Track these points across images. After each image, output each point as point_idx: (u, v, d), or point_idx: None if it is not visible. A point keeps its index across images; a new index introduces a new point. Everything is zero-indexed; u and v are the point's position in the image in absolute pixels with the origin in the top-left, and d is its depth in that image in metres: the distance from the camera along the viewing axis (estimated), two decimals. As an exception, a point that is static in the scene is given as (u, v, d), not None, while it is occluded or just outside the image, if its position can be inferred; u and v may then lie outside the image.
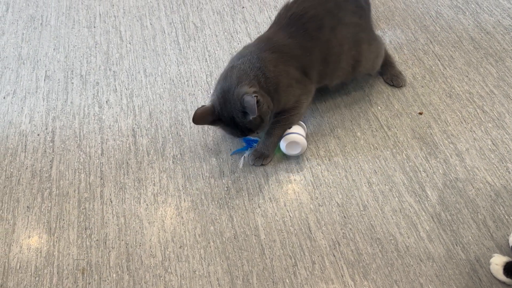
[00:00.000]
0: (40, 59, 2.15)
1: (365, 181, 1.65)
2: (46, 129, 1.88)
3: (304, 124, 1.71)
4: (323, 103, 1.89)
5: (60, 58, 2.15)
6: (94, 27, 2.30)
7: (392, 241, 1.51)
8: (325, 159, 1.72)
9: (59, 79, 2.06)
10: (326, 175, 1.67)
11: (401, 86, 1.93)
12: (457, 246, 1.48)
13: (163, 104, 1.94)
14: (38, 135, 1.86)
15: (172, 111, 1.91)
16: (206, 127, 1.84)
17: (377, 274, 1.44)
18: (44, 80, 2.06)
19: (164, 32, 2.25)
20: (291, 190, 1.64)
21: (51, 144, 1.83)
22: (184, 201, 1.63)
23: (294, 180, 1.67)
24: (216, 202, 1.62)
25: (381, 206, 1.59)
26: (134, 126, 1.87)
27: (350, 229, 1.54)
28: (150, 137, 1.83)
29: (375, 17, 2.24)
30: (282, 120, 1.65)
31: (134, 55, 2.14)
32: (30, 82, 2.06)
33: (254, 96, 1.44)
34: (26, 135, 1.86)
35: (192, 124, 1.81)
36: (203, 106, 1.61)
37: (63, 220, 1.61)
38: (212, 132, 1.82)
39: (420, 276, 1.43)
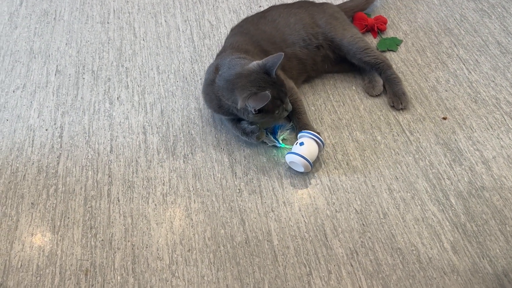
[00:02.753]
0: (51, 54, 2.10)
1: (385, 188, 1.56)
2: (55, 124, 1.82)
3: (320, 141, 1.59)
4: (341, 105, 1.81)
5: (72, 53, 2.11)
6: (108, 23, 2.25)
7: (414, 252, 1.41)
8: (343, 163, 1.63)
9: (70, 74, 2.01)
10: (344, 180, 1.59)
11: (401, 109, 1.79)
12: (483, 259, 1.39)
13: (176, 102, 1.87)
14: (46, 130, 1.80)
15: (184, 109, 1.84)
16: (219, 126, 1.77)
17: (398, 286, 1.35)
18: (55, 74, 2.01)
19: (179, 30, 2.19)
20: (306, 195, 1.56)
21: (59, 139, 1.77)
22: (194, 202, 1.56)
23: (310, 184, 1.58)
24: (228, 205, 1.54)
25: (403, 214, 1.50)
26: (145, 123, 1.81)
27: (369, 237, 1.45)
28: (161, 135, 1.76)
29: (397, 19, 2.16)
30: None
31: (148, 52, 2.09)
32: (41, 77, 2.01)
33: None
34: (34, 129, 1.81)
35: (205, 123, 1.74)
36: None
37: (68, 218, 1.54)
38: (225, 132, 1.75)
39: (443, 290, 1.33)
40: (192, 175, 1.63)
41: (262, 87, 1.50)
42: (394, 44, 2.04)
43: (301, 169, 1.57)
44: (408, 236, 1.45)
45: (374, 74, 1.85)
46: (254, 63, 1.54)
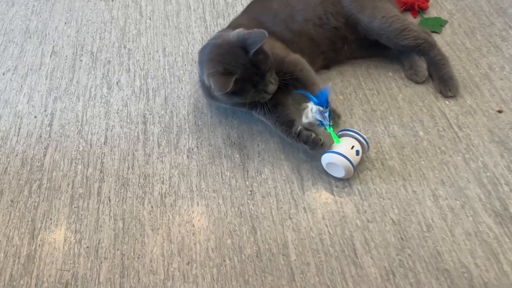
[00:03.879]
0: (48, 33, 1.89)
1: (429, 194, 1.28)
2: (45, 111, 1.60)
3: (363, 139, 1.32)
4: (375, 94, 1.53)
5: (70, 33, 1.88)
6: (112, 0, 2.02)
7: (465, 275, 1.13)
8: (377, 163, 1.36)
9: (66, 56, 1.79)
10: (378, 183, 1.31)
11: (450, 96, 1.51)
12: (556, 288, 1.10)
13: (182, 88, 1.63)
14: (35, 117, 1.59)
15: (191, 96, 1.59)
16: (230, 116, 1.51)
17: (446, 319, 1.07)
18: (50, 56, 1.79)
19: (190, 8, 1.94)
20: (331, 200, 1.29)
21: (48, 128, 1.55)
22: (197, 205, 1.31)
23: (336, 187, 1.32)
24: (237, 209, 1.29)
25: (451, 227, 1.21)
26: (145, 111, 1.57)
27: (409, 255, 1.17)
28: (163, 125, 1.52)
29: (441, -4, 1.86)
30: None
31: (154, 32, 1.85)
32: (34, 58, 1.79)
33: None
34: (22, 116, 1.59)
35: (214, 112, 1.50)
36: None
37: (51, 219, 1.32)
38: (236, 123, 1.50)
39: (505, 327, 1.05)
40: (197, 172, 1.39)
41: (231, 66, 1.27)
42: (438, 25, 1.75)
43: (341, 174, 1.30)
44: (457, 255, 1.17)
45: (415, 57, 1.56)
46: (234, 33, 1.31)
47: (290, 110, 1.41)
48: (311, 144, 1.31)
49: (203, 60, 1.35)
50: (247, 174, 1.37)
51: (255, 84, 1.29)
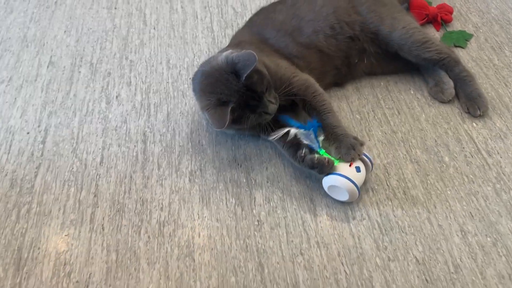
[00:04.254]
0: (47, 42, 1.78)
1: (456, 228, 1.15)
2: (39, 126, 1.49)
3: (368, 159, 1.20)
4: (396, 114, 1.41)
5: (70, 42, 1.78)
6: (115, 8, 1.91)
7: (500, 326, 1.00)
8: (399, 192, 1.23)
9: (64, 67, 1.68)
10: (400, 216, 1.18)
11: (479, 115, 1.38)
12: None
13: (186, 104, 1.51)
14: (28, 133, 1.48)
15: (196, 113, 1.48)
16: (237, 136, 1.40)
17: None
18: (48, 67, 1.69)
19: (197, 17, 1.83)
20: (348, 233, 1.16)
21: (41, 146, 1.44)
22: (199, 236, 1.19)
23: (354, 218, 1.19)
24: (242, 241, 1.17)
25: (481, 268, 1.08)
26: (146, 129, 1.45)
27: (435, 301, 1.04)
28: (164, 144, 1.40)
29: (465, 8, 1.73)
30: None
31: (158, 43, 1.74)
32: (31, 69, 1.69)
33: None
34: (14, 132, 1.48)
35: (219, 131, 1.38)
36: None
37: (39, 248, 1.20)
38: (243, 143, 1.38)
39: None
40: (199, 198, 1.27)
41: (224, 96, 1.16)
42: (462, 39, 1.62)
43: (345, 197, 1.17)
44: (490, 301, 1.03)
45: (440, 73, 1.43)
46: (223, 57, 1.20)
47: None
48: (317, 167, 1.18)
49: (196, 90, 1.27)
50: (254, 202, 1.25)
51: (253, 109, 1.18)
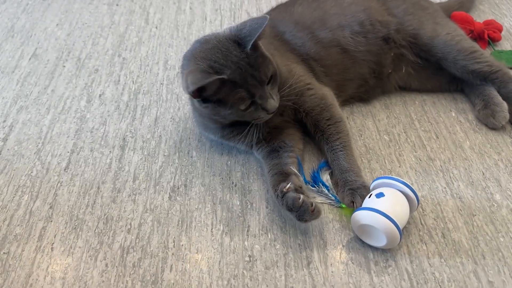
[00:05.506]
0: (34, 34, 1.58)
1: (515, 289, 0.85)
2: (5, 121, 1.26)
3: (413, 193, 0.91)
4: (433, 139, 1.14)
5: (60, 35, 1.57)
6: (117, 5, 1.72)
7: None
8: (437, 233, 0.94)
9: (48, 60, 1.47)
10: (438, 265, 0.89)
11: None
12: None
13: (179, 109, 1.27)
14: (-10, 128, 1.24)
15: (189, 119, 1.23)
16: (234, 149, 1.14)
17: None
18: (30, 59, 1.48)
19: (206, 19, 1.62)
20: (367, 284, 0.87)
21: (1, 143, 1.20)
22: (171, 271, 0.91)
23: (376, 263, 0.90)
24: (226, 282, 0.88)
25: None
26: (127, 133, 1.21)
27: None
28: (145, 153, 1.15)
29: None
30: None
31: (158, 42, 1.52)
32: (10, 60, 1.48)
33: None
34: (-27, 126, 1.25)
35: (214, 143, 1.13)
36: None
37: (-32, 268, 0.94)
38: (242, 158, 1.12)
39: None
40: (178, 221, 0.99)
41: (218, 64, 0.91)
42: (513, 60, 1.36)
43: (382, 242, 0.88)
44: None
45: (491, 93, 1.17)
46: (226, 28, 0.98)
47: (292, 158, 1.03)
48: (297, 211, 0.90)
49: (184, 62, 1.00)
50: (248, 231, 0.97)
51: (250, 90, 0.92)
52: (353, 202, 0.94)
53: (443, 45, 1.16)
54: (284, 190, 0.92)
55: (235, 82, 0.91)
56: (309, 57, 1.13)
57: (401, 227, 0.86)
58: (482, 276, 0.88)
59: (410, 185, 0.90)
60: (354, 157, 1.04)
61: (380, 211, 0.85)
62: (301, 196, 0.90)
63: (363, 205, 0.90)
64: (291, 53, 1.14)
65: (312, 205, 0.89)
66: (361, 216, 0.88)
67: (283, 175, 0.99)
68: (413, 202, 0.91)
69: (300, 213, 0.89)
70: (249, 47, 0.91)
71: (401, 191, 0.90)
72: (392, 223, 0.84)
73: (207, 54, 0.93)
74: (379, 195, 0.89)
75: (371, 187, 0.95)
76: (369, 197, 0.91)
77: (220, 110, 0.95)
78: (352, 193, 0.96)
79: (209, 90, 0.92)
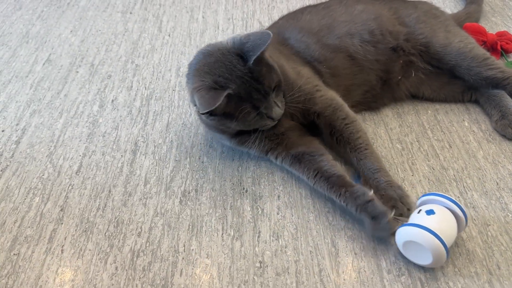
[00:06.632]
0: (49, 40, 1.60)
1: (532, 301, 0.84)
2: (17, 124, 1.27)
3: (462, 212, 0.89)
4: (447, 148, 1.13)
5: (74, 41, 1.59)
6: (131, 13, 1.74)
7: None
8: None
9: (61, 65, 1.48)
10: (451, 275, 0.88)
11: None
12: None
13: (191, 115, 1.27)
14: (3, 131, 1.25)
15: (200, 125, 1.23)
16: (246, 154, 1.14)
17: None
18: (44, 64, 1.49)
19: (218, 28, 1.63)
20: (379, 291, 0.86)
21: (13, 146, 1.21)
22: (181, 275, 0.90)
23: (388, 272, 0.89)
24: (237, 288, 0.88)
25: None
26: (139, 138, 1.21)
27: None
28: (157, 157, 1.15)
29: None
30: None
31: (170, 49, 1.53)
32: (24, 64, 1.49)
33: None
34: (-13, 129, 1.26)
35: (226, 148, 1.13)
36: None
37: (-23, 268, 0.94)
38: (253, 164, 1.11)
39: None
40: (189, 226, 0.99)
41: (223, 79, 0.93)
42: (527, 72, 1.35)
43: (427, 260, 0.86)
44: None
45: (508, 103, 1.16)
46: (229, 38, 0.98)
47: (329, 162, 1.02)
48: (379, 223, 0.89)
49: (189, 73, 1.02)
50: (259, 237, 0.96)
51: (255, 104, 0.93)
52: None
53: (456, 52, 1.15)
54: (369, 198, 0.91)
55: (240, 96, 0.92)
56: (313, 59, 1.13)
57: (448, 246, 0.85)
58: (497, 286, 0.86)
59: (460, 204, 0.89)
60: (378, 154, 1.04)
61: (431, 230, 0.83)
62: (389, 210, 0.89)
63: (411, 221, 0.88)
64: (295, 56, 1.14)
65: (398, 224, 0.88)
66: (410, 232, 0.85)
67: (339, 178, 0.97)
68: (462, 222, 0.89)
69: (380, 227, 0.89)
70: (251, 61, 0.92)
71: (450, 210, 0.88)
72: (441, 243, 0.82)
73: (211, 69, 0.94)
74: (429, 212, 0.87)
75: (418, 202, 0.93)
76: (418, 212, 0.89)
77: (226, 122, 0.97)
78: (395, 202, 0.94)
79: (217, 107, 0.92)
